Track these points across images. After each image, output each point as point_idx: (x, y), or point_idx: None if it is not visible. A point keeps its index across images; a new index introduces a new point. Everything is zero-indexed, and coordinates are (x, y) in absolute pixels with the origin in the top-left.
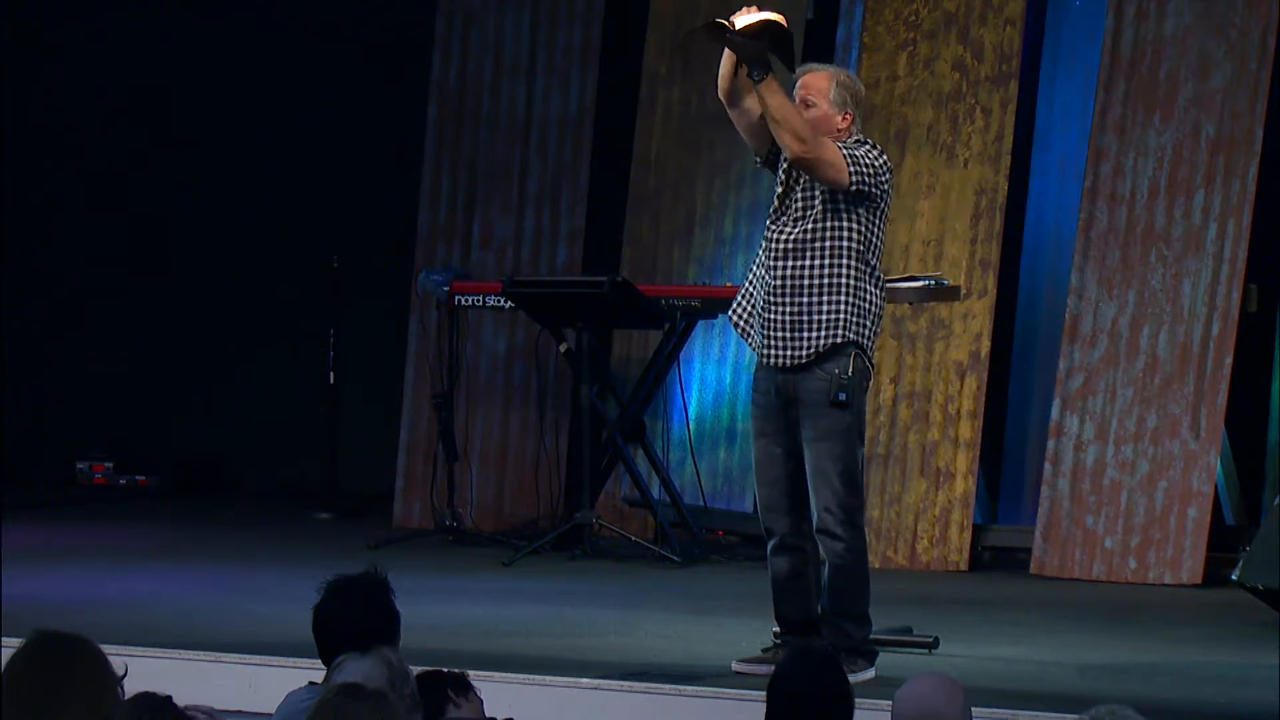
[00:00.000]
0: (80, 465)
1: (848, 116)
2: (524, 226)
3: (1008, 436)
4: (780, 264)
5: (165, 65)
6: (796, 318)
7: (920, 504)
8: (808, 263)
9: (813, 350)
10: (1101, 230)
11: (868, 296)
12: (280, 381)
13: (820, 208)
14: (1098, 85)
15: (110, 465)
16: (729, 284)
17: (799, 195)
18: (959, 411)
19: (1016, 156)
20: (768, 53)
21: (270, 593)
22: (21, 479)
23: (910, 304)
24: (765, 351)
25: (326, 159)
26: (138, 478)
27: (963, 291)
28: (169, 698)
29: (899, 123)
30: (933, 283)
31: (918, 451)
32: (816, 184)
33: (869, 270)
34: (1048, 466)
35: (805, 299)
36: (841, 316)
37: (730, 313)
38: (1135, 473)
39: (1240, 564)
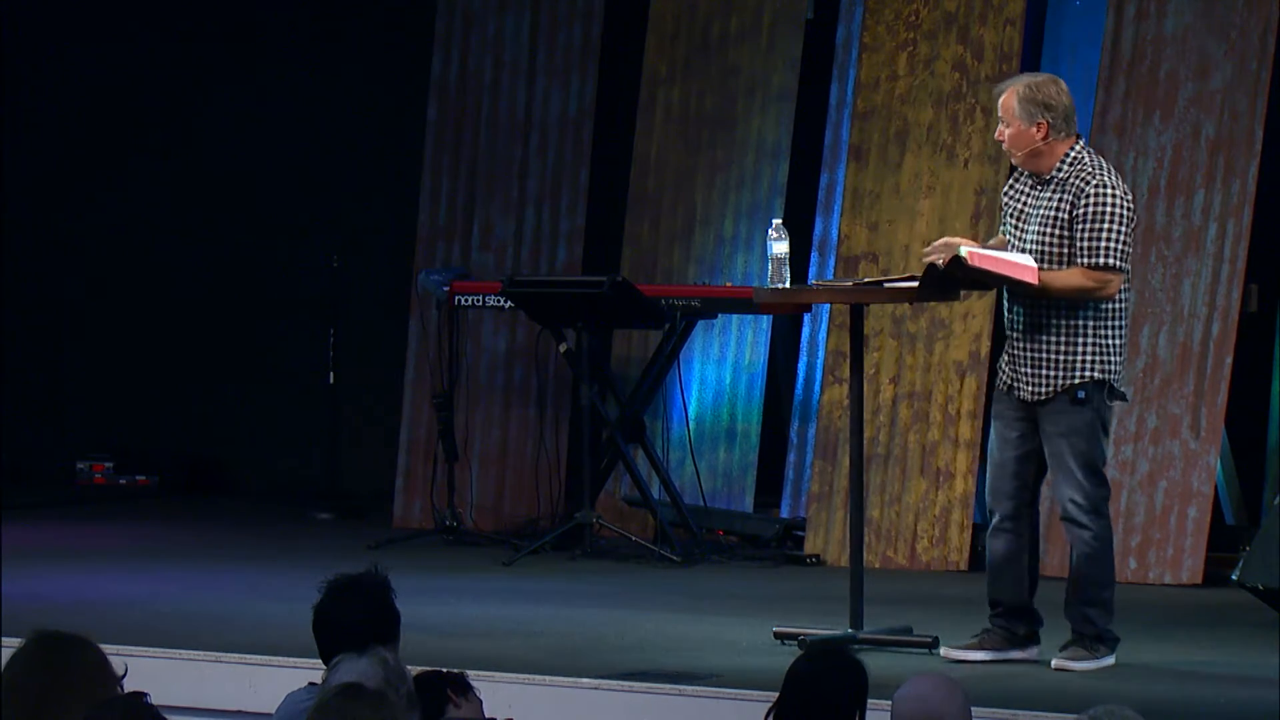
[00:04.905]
0: (80, 465)
1: (1041, 126)
2: (524, 226)
3: None
4: (1018, 305)
5: (166, 65)
6: (1037, 355)
7: (920, 504)
8: (1045, 304)
9: (1053, 389)
10: None
11: (1108, 334)
12: (280, 381)
13: (1056, 254)
14: (1098, 85)
15: (110, 465)
16: (729, 284)
17: (1033, 239)
18: (959, 411)
19: None
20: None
21: (270, 593)
22: (21, 479)
23: (910, 304)
24: (1015, 385)
25: (326, 159)
26: (138, 478)
27: (963, 292)
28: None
29: (899, 123)
30: None
31: (918, 451)
32: (1053, 232)
33: (1108, 309)
34: None
35: (1045, 338)
36: (1079, 358)
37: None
38: (1135, 473)
39: (1240, 564)
